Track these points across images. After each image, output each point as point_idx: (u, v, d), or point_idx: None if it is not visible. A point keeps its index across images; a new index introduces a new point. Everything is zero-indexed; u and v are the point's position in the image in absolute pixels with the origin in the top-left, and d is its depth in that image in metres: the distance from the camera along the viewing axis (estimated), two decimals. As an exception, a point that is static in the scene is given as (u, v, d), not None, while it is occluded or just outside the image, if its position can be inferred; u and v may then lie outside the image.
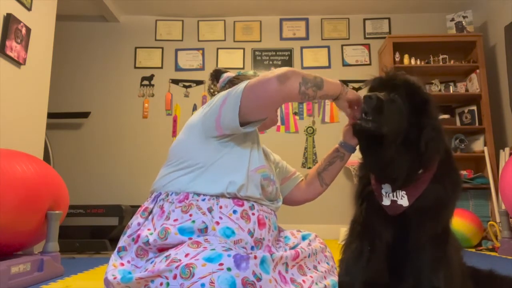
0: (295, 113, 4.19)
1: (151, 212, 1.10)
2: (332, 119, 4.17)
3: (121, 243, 1.07)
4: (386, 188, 1.20)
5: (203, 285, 0.81)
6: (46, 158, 3.41)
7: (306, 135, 4.15)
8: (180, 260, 0.88)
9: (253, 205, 1.11)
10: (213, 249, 0.89)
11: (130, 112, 4.25)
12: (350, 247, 1.28)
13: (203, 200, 1.07)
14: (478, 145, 3.74)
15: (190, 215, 1.03)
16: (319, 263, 1.16)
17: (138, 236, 1.04)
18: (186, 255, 0.90)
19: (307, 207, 3.97)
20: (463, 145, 3.73)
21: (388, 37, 3.95)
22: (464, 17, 3.98)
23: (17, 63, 2.51)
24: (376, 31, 4.36)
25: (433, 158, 1.16)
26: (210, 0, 4.12)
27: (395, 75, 1.21)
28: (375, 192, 1.23)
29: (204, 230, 1.01)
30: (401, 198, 1.17)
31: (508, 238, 2.77)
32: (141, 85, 4.31)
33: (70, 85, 4.29)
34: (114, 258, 1.04)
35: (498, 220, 3.15)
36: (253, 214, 1.10)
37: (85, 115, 4.17)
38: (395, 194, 1.18)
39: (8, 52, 2.40)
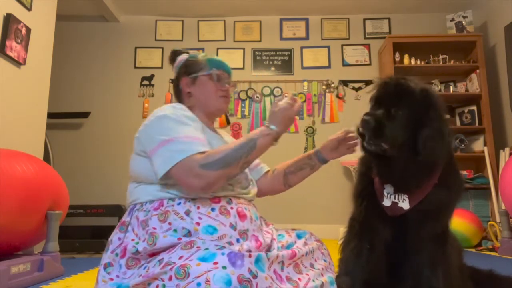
0: (295, 113, 4.18)
1: (129, 224, 1.10)
2: (332, 119, 4.17)
3: (106, 259, 1.07)
4: (388, 189, 1.19)
5: (199, 284, 0.81)
6: (46, 158, 3.41)
7: (306, 135, 4.15)
8: (174, 262, 0.88)
9: (230, 199, 1.11)
10: (207, 249, 0.89)
11: (130, 112, 4.25)
12: (349, 246, 1.27)
13: (179, 204, 1.06)
14: (478, 145, 3.74)
15: (169, 223, 1.02)
16: (316, 260, 1.16)
17: (125, 249, 1.03)
18: (180, 257, 0.90)
19: (307, 207, 4.00)
20: (463, 145, 3.73)
21: (388, 37, 3.95)
22: (464, 17, 3.98)
23: (17, 63, 2.51)
24: (376, 31, 4.36)
25: (436, 165, 1.15)
26: (210, 0, 4.11)
27: (400, 83, 1.16)
28: (377, 192, 1.22)
29: (188, 234, 1.01)
30: (403, 201, 1.16)
31: (508, 238, 2.77)
32: (141, 85, 4.31)
33: (70, 85, 4.29)
34: (102, 274, 1.04)
35: (498, 220, 3.15)
36: (231, 208, 1.09)
37: (85, 115, 4.17)
38: (396, 196, 1.17)
39: (8, 52, 2.40)
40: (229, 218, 1.06)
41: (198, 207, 1.05)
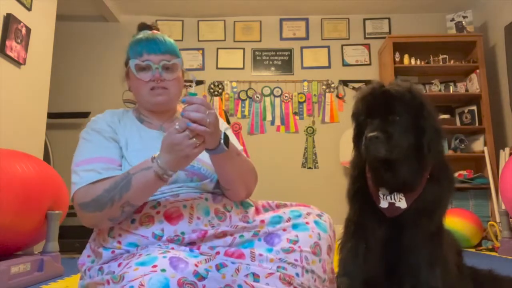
0: (295, 113, 4.19)
1: (88, 242, 1.09)
2: (332, 119, 4.16)
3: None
4: (383, 190, 1.20)
5: (131, 287, 0.72)
6: (46, 158, 3.41)
7: (306, 135, 4.15)
8: (113, 271, 0.83)
9: (157, 203, 0.95)
10: (149, 254, 0.79)
11: (130, 112, 4.24)
12: (346, 246, 1.28)
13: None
14: (478, 145, 3.74)
15: (101, 245, 0.97)
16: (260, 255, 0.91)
17: (82, 265, 1.01)
18: (119, 264, 0.84)
19: (307, 207, 3.98)
20: (463, 145, 3.73)
21: (388, 37, 3.95)
22: (464, 17, 3.98)
23: (17, 63, 2.51)
24: (376, 31, 4.36)
25: (434, 160, 1.16)
26: (210, 0, 4.11)
27: (386, 90, 1.16)
28: (372, 195, 1.22)
29: (117, 248, 0.93)
30: (399, 201, 1.17)
31: (508, 238, 2.77)
32: (141, 85, 4.30)
33: (70, 85, 4.29)
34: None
35: (498, 220, 3.14)
36: (157, 212, 0.93)
37: (85, 115, 4.17)
38: (392, 196, 1.18)
39: (8, 52, 2.40)
40: (151, 226, 0.90)
41: (120, 222, 0.93)
